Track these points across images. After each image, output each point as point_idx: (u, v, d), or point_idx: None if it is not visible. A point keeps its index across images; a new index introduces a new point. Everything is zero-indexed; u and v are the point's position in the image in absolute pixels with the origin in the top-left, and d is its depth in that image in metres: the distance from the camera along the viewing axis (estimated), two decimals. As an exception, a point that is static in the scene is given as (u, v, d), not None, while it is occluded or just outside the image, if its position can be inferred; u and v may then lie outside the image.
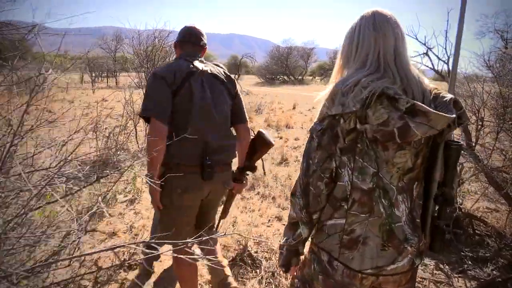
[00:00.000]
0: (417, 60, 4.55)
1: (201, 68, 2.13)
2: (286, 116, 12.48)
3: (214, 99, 2.13)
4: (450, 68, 4.18)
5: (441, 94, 1.21)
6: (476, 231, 3.76)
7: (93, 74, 22.86)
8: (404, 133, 1.11)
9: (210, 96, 2.11)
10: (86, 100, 15.84)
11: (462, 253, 3.38)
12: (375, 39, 1.23)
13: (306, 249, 1.43)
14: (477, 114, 3.87)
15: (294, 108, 16.00)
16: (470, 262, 3.25)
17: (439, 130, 1.12)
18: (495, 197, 4.12)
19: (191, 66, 2.11)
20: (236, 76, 16.89)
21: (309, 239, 1.39)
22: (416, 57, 4.49)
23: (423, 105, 1.10)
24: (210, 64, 2.24)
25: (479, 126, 3.83)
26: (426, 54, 4.37)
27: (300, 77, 39.42)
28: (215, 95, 2.15)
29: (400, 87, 1.18)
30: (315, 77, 42.99)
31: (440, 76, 4.24)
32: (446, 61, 4.13)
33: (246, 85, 22.09)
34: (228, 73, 2.29)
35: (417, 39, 4.32)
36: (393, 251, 1.24)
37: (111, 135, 6.66)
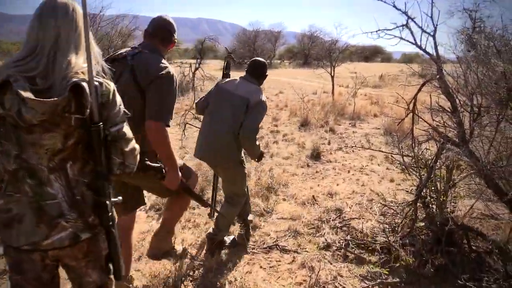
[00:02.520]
0: (395, 34, 3.69)
1: (119, 56, 2.16)
2: (251, 102, 11.52)
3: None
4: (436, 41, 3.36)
5: (71, 80, 1.25)
6: (473, 247, 3.00)
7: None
8: (21, 117, 1.20)
9: None
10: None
11: (461, 282, 2.59)
12: (37, 30, 1.30)
13: None
14: (471, 99, 3.07)
15: (260, 93, 15.06)
16: (472, 295, 2.48)
17: (46, 113, 1.21)
18: (491, 199, 3.38)
19: (118, 53, 2.18)
20: (199, 61, 15.72)
21: None
22: (393, 30, 3.64)
23: (24, 92, 1.18)
24: (143, 56, 2.16)
25: (475, 115, 3.03)
26: (406, 25, 3.51)
27: (268, 61, 38.41)
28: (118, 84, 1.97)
29: (41, 73, 1.26)
30: (283, 61, 42.03)
31: (424, 52, 3.40)
32: (431, 33, 3.29)
33: (210, 69, 20.96)
34: (156, 66, 2.11)
35: (395, 6, 3.46)
36: (45, 227, 1.31)
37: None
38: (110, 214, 1.38)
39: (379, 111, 10.89)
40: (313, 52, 34.49)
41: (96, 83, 1.28)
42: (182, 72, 15.15)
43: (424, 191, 3.16)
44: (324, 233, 3.47)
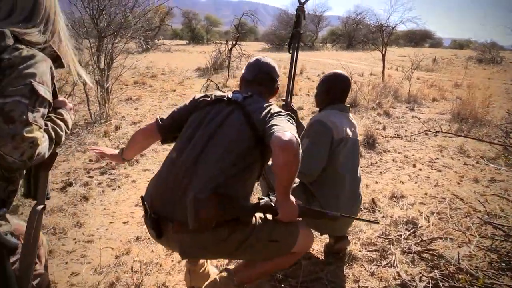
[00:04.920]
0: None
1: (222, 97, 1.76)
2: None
3: (216, 128, 1.66)
4: None
5: None
6: None
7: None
8: None
9: (208, 124, 1.68)
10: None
11: None
12: None
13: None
14: None
15: (300, 73, 13.81)
16: None
17: None
18: None
19: (220, 96, 1.79)
20: (236, 37, 14.65)
21: None
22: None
23: None
24: (256, 99, 1.75)
25: None
26: None
27: (310, 43, 36.74)
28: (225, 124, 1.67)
29: None
30: (326, 43, 40.11)
31: None
32: None
33: (250, 50, 19.85)
34: (274, 107, 1.70)
35: None
36: None
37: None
38: None
39: (439, 94, 9.35)
40: (360, 34, 32.46)
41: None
42: (218, 49, 14.10)
43: None
44: (394, 261, 2.27)
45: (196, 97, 1.83)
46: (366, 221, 2.07)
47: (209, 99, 1.77)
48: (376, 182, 3.68)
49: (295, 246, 1.70)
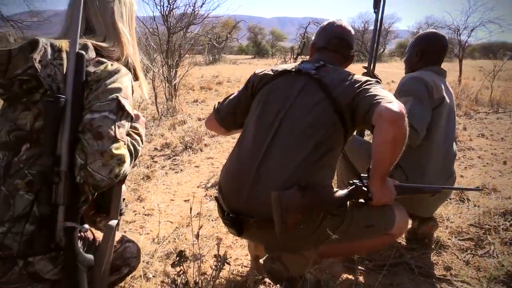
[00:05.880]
0: None
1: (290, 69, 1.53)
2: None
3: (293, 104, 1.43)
4: None
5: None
6: None
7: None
8: None
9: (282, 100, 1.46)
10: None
11: None
12: None
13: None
14: None
15: (368, 80, 13.31)
16: None
17: None
18: None
19: (285, 68, 1.55)
20: (302, 42, 14.62)
21: None
22: None
23: None
24: (331, 69, 1.48)
25: None
26: None
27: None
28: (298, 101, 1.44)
29: None
30: (394, 55, 38.73)
31: None
32: None
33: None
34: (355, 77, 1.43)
35: None
36: None
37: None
38: (59, 235, 0.98)
39: (528, 99, 8.43)
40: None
41: (86, 55, 1.03)
42: (283, 58, 14.10)
43: None
44: (494, 251, 1.91)
45: (257, 71, 1.60)
46: (467, 189, 1.77)
47: (273, 72, 1.54)
48: (462, 176, 3.25)
49: (392, 229, 1.45)
